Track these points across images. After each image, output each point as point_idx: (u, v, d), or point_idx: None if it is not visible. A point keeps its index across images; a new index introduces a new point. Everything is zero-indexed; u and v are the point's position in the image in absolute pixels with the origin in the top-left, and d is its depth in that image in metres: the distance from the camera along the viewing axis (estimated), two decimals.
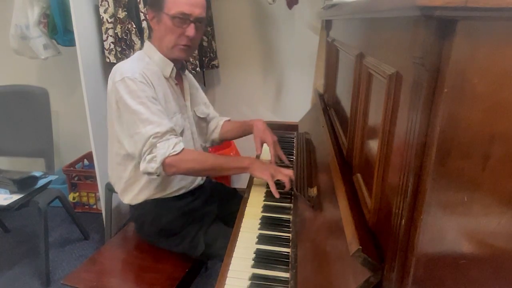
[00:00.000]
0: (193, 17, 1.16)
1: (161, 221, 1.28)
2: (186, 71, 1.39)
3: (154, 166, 1.11)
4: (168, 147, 1.11)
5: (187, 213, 1.30)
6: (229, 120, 1.57)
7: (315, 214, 0.93)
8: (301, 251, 0.89)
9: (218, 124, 1.54)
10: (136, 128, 1.11)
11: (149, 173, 1.14)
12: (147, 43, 1.26)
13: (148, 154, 1.11)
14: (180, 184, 1.30)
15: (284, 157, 1.40)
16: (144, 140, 1.10)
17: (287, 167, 1.30)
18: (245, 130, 1.50)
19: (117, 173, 1.30)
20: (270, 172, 1.17)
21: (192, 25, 1.17)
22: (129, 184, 1.28)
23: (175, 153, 1.12)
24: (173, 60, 1.24)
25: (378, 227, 0.64)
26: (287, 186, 1.18)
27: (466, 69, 0.40)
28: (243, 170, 1.21)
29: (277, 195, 1.16)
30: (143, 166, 1.13)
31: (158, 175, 1.15)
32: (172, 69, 1.24)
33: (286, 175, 1.19)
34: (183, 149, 1.14)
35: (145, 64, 1.20)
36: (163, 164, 1.11)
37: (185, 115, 1.32)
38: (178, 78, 1.31)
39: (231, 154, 2.38)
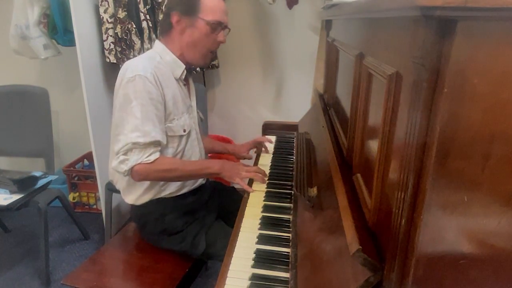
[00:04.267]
0: (224, 24, 1.23)
1: (163, 220, 1.28)
2: None
3: (123, 168, 1.14)
4: (142, 155, 1.14)
5: (189, 212, 1.31)
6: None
7: (315, 214, 0.93)
8: (301, 251, 0.89)
9: None
10: (123, 129, 1.13)
11: (117, 171, 1.17)
12: (158, 43, 1.26)
13: (123, 154, 1.14)
14: (184, 184, 1.31)
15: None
16: (125, 142, 1.13)
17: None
18: (214, 149, 1.63)
19: None
20: (239, 175, 1.25)
21: (223, 31, 1.24)
22: (132, 183, 1.27)
23: (148, 162, 1.14)
24: (186, 63, 1.26)
25: (378, 227, 0.64)
26: (262, 181, 1.29)
27: (466, 69, 0.40)
28: (214, 175, 1.28)
29: (250, 190, 1.25)
30: (114, 163, 1.16)
31: (125, 176, 1.18)
32: (183, 71, 1.26)
33: (254, 171, 1.29)
34: (156, 159, 1.15)
35: (156, 63, 1.20)
36: (132, 169, 1.14)
37: (191, 115, 1.34)
38: (186, 78, 1.32)
39: None
